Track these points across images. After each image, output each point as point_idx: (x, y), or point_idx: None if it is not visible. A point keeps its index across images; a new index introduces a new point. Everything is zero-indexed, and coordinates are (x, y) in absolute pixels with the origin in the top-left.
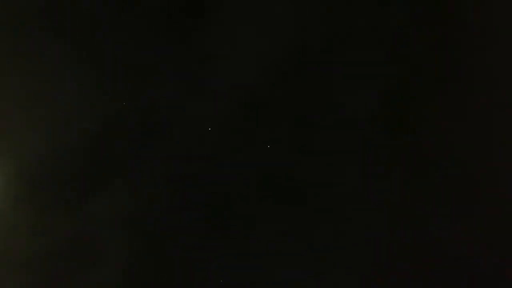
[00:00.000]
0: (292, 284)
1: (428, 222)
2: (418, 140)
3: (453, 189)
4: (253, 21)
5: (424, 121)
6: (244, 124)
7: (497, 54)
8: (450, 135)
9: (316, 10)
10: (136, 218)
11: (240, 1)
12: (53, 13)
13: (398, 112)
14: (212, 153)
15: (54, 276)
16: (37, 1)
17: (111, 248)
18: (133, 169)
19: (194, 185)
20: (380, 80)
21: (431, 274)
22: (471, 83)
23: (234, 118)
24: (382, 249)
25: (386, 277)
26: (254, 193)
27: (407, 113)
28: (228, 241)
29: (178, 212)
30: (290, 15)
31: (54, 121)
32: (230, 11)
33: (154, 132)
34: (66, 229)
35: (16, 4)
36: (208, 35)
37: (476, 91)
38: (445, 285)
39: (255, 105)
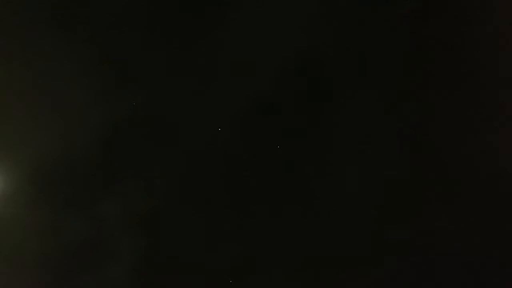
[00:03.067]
0: (295, 284)
1: (428, 221)
2: (418, 140)
3: (453, 188)
4: (263, 23)
5: (424, 121)
6: (254, 124)
7: (499, 54)
8: (450, 134)
9: (324, 14)
10: (147, 218)
11: (251, 3)
12: (63, 15)
13: (402, 113)
14: (222, 153)
15: (66, 274)
16: (45, 3)
17: (122, 247)
18: (144, 169)
19: (204, 185)
20: (386, 82)
21: (430, 273)
22: (470, 84)
23: (244, 119)
24: (381, 248)
25: (386, 277)
26: (265, 192)
27: (409, 115)
28: (239, 241)
29: (189, 211)
30: (299, 17)
31: (65, 122)
32: (240, 12)
33: (164, 132)
34: (78, 228)
35: (26, 7)
36: (219, 36)
37: (478, 92)
38: (445, 285)
39: (265, 105)
